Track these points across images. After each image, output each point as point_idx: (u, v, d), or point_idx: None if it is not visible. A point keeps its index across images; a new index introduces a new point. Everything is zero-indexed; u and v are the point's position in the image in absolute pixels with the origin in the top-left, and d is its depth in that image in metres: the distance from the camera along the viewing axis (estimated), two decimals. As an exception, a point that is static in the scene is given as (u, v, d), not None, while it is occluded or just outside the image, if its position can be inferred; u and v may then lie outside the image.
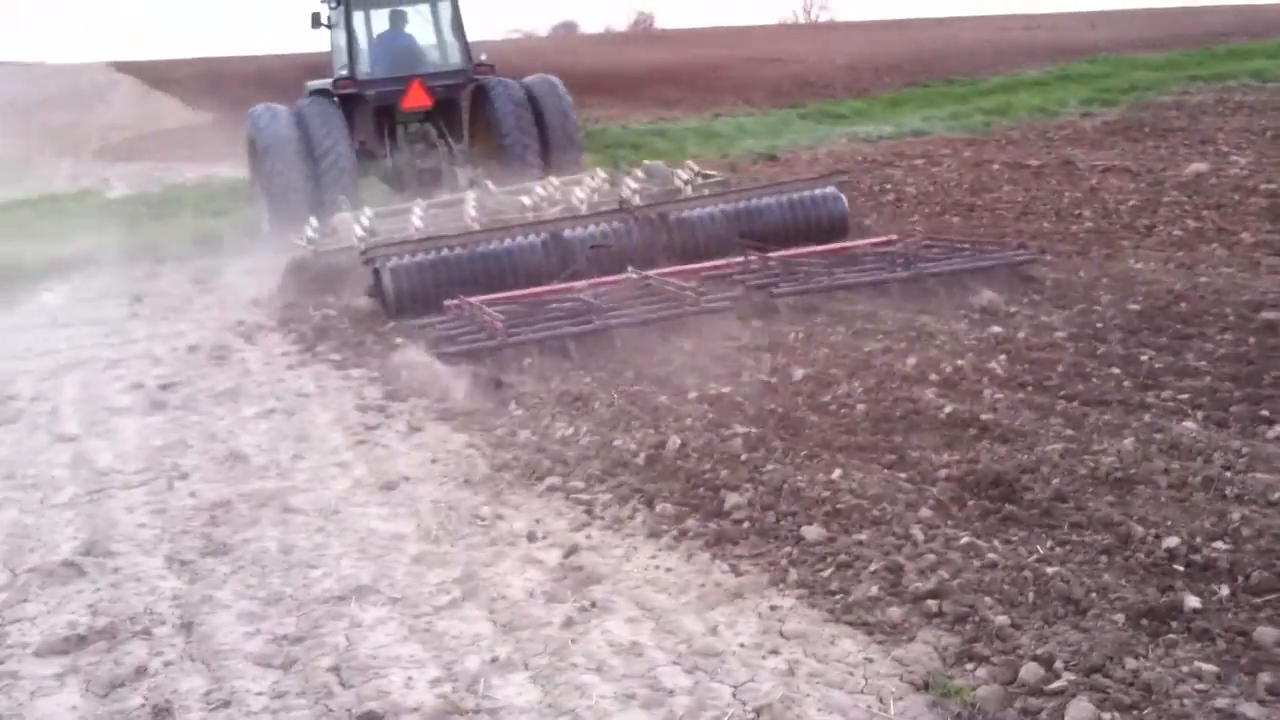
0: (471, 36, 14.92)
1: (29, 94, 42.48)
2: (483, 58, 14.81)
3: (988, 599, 4.67)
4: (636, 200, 11.28)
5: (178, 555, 5.87)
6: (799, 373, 7.68)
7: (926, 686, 4.19)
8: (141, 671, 4.72)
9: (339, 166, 13.49)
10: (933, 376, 7.39)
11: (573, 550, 5.57)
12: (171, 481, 6.92)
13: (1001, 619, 4.51)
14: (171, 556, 5.87)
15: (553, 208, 11.69)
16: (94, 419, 8.36)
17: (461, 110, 15.29)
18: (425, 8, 14.99)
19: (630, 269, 9.81)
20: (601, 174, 12.73)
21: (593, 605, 5.02)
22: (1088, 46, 36.02)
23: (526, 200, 11.84)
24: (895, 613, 4.67)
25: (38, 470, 7.36)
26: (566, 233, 10.46)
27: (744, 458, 6.35)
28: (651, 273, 9.68)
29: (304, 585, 5.44)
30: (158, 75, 44.61)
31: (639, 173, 12.79)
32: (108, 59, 57.18)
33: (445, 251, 10.15)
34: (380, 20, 14.83)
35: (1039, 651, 4.27)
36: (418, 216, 11.44)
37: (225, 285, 12.84)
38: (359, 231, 11.07)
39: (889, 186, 15.58)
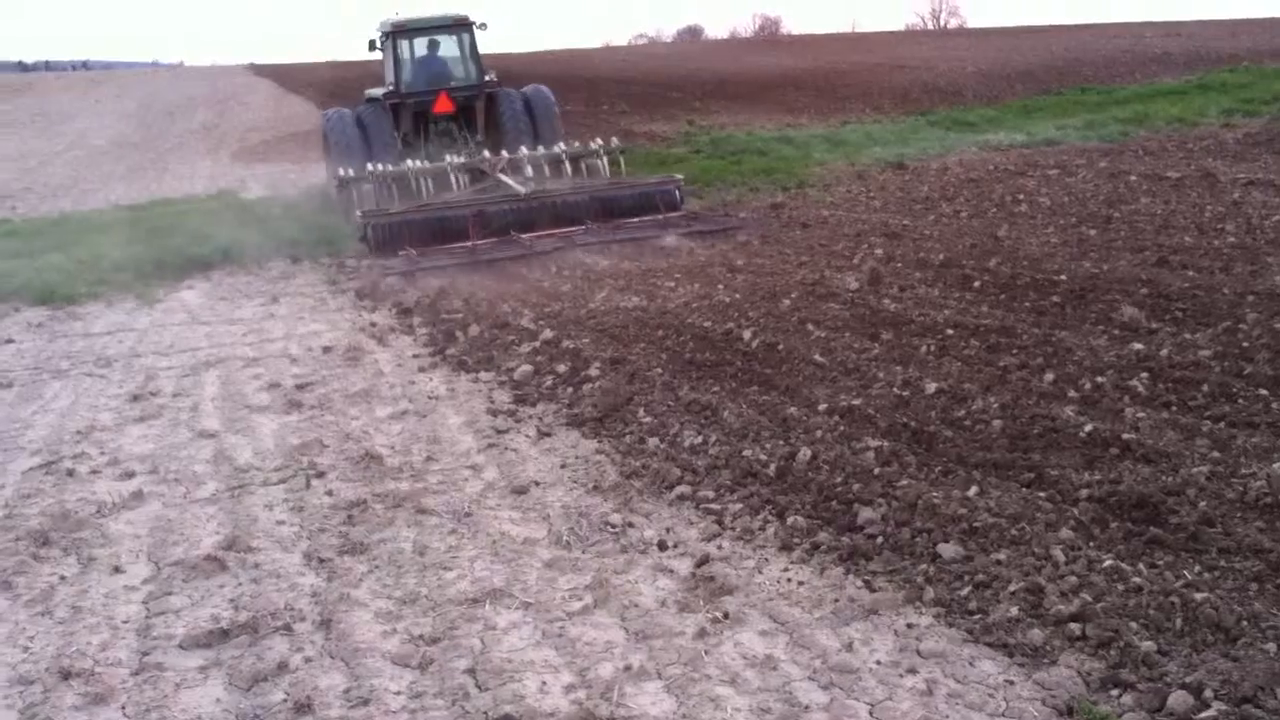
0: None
1: (171, 95, 43.76)
2: (490, 75, 19.48)
3: (1133, 624, 4.57)
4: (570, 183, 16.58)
5: (316, 553, 5.99)
6: (931, 386, 7.57)
7: (1070, 712, 4.11)
8: (283, 667, 4.82)
9: (384, 157, 17.48)
10: (1071, 393, 7.24)
11: (704, 560, 5.56)
12: (309, 480, 7.05)
13: (1148, 645, 4.40)
14: (310, 554, 5.99)
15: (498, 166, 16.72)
16: (233, 416, 8.56)
17: (477, 112, 19.69)
18: (450, 38, 19.41)
19: (512, 232, 14.65)
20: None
21: (725, 616, 5.00)
22: (1228, 55, 35.10)
23: (488, 154, 17.17)
24: (1037, 635, 4.58)
25: (180, 465, 7.55)
26: (486, 209, 15.00)
27: (877, 471, 6.28)
28: (523, 235, 14.51)
29: (439, 586, 5.51)
30: (293, 78, 45.63)
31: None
32: (246, 61, 58.72)
33: (409, 217, 14.77)
34: (417, 47, 19.26)
35: (1188, 679, 4.16)
36: (411, 165, 16.53)
37: (357, 288, 13.05)
38: (370, 168, 16.06)
39: (1021, 197, 15.29)
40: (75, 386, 9.58)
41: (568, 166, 17.06)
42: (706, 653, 4.72)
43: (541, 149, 17.50)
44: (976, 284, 10.44)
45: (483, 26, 19.18)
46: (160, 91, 45.88)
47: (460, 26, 19.17)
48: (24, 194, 23.45)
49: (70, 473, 7.44)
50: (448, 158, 16.95)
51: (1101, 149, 20.20)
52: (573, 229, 14.82)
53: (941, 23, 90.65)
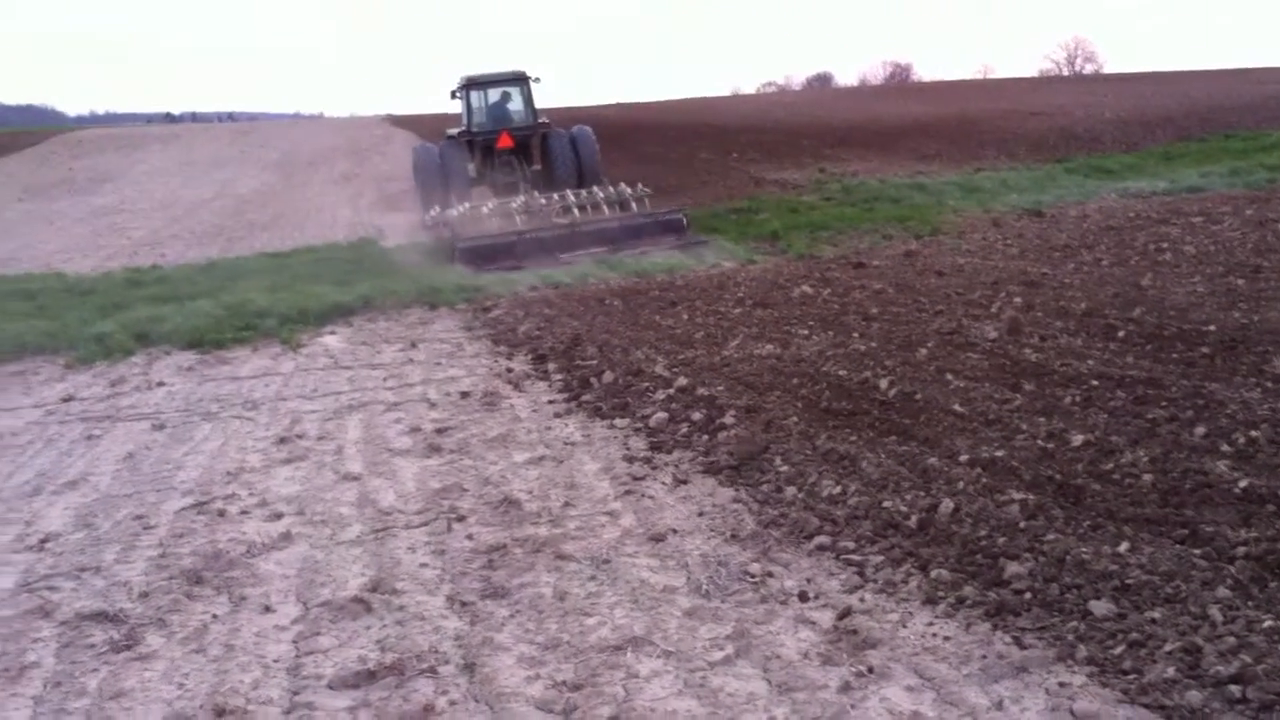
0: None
1: (312, 146, 44.99)
2: (544, 119, 24.23)
3: (1297, 688, 4.39)
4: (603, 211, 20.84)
5: (458, 596, 6.06)
6: (1077, 438, 7.41)
7: (1234, 779, 3.95)
8: (429, 709, 4.87)
9: (459, 182, 22.57)
10: (1225, 447, 7.02)
11: (846, 612, 5.50)
12: (450, 524, 7.14)
13: (1314, 711, 4.23)
14: (453, 597, 6.06)
15: (553, 212, 20.58)
16: (376, 460, 8.72)
17: (533, 148, 24.51)
18: (512, 89, 24.13)
19: (556, 252, 18.39)
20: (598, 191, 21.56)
21: (870, 671, 4.93)
22: (1380, 99, 33.98)
23: (544, 200, 20.79)
24: (1194, 697, 4.43)
25: (325, 507, 7.71)
26: (537, 235, 18.99)
27: (1022, 525, 6.16)
28: (562, 255, 18.35)
29: (580, 633, 5.53)
30: (429, 128, 46.56)
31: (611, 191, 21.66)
32: (383, 112, 60.15)
33: (481, 241, 18.56)
34: (488, 96, 24.09)
35: (1357, 749, 3.99)
36: (487, 206, 20.49)
37: (494, 335, 13.24)
38: (454, 213, 20.14)
39: (1165, 245, 14.95)
40: (224, 429, 9.86)
41: (605, 208, 20.62)
42: (852, 707, 4.66)
43: (584, 191, 21.40)
44: (1121, 334, 10.21)
45: (537, 80, 23.92)
46: (301, 142, 47.19)
47: (519, 80, 24.07)
48: (172, 241, 24.30)
49: (221, 513, 7.65)
50: (513, 201, 20.80)
51: (1248, 196, 19.67)
52: (596, 248, 18.64)
53: (1077, 68, 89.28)
